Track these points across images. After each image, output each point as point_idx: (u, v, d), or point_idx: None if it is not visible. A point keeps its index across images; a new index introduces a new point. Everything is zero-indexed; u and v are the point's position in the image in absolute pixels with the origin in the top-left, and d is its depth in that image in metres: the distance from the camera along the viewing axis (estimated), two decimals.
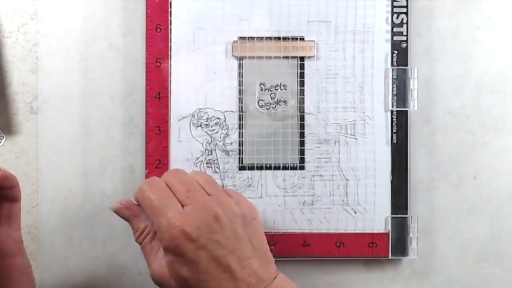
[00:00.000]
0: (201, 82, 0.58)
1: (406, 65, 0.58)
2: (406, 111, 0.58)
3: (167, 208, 0.48)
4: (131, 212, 0.52)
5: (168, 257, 0.48)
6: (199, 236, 0.47)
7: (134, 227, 0.52)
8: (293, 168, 0.58)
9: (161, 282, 0.50)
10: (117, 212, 0.52)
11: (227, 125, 0.58)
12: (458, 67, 0.60)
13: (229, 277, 0.48)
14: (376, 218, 0.58)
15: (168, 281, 0.49)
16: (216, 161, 0.58)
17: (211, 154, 0.58)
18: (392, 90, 0.58)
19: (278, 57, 0.58)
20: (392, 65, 0.58)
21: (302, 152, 0.58)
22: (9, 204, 0.49)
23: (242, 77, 0.58)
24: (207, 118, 0.58)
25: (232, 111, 0.58)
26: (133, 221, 0.52)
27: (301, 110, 0.58)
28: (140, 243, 0.52)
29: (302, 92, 0.58)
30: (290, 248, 0.58)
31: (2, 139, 0.59)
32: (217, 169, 0.58)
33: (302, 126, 0.58)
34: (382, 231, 0.58)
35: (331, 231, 0.58)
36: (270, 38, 0.58)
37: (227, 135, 0.58)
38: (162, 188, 0.50)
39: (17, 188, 0.49)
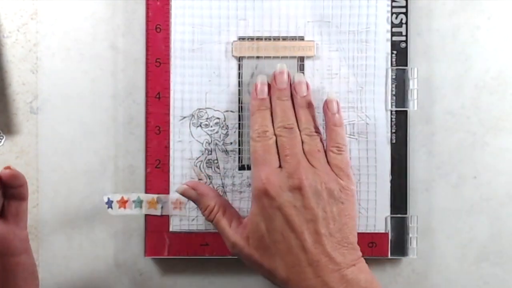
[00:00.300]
0: (201, 82, 0.58)
1: (406, 65, 0.58)
2: (406, 111, 0.58)
3: (264, 164, 0.52)
4: (197, 192, 0.55)
5: (253, 208, 0.52)
6: (277, 196, 0.50)
7: (203, 206, 0.55)
8: None
9: (240, 251, 0.52)
10: (184, 193, 0.55)
11: (227, 125, 0.58)
12: (458, 67, 0.60)
13: (300, 245, 0.50)
14: (376, 218, 0.58)
15: (247, 249, 0.52)
16: (216, 161, 0.58)
17: (211, 154, 0.58)
18: (392, 90, 0.58)
19: (278, 57, 0.58)
20: (391, 65, 0.58)
21: None
22: (17, 203, 0.49)
23: (242, 77, 0.58)
24: (207, 118, 0.58)
25: (232, 111, 0.58)
26: (201, 200, 0.55)
27: None
28: (211, 221, 0.54)
29: None
30: None
31: (2, 139, 0.59)
32: (217, 169, 0.58)
33: None
34: (381, 231, 0.58)
35: None
36: (270, 38, 0.58)
37: (227, 135, 0.58)
38: (269, 145, 0.53)
39: (25, 186, 0.49)
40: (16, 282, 0.49)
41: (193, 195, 0.55)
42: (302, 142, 0.53)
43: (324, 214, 0.50)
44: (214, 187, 0.58)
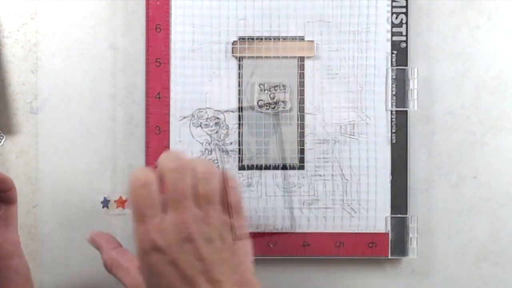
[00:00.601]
0: (201, 82, 0.58)
1: (406, 65, 0.58)
2: (406, 111, 0.58)
3: (146, 217, 0.45)
4: (95, 244, 0.53)
5: (142, 266, 0.46)
6: (169, 252, 0.45)
7: (102, 258, 0.52)
8: (293, 168, 0.58)
9: None
10: (90, 242, 0.53)
11: (227, 125, 0.58)
12: (458, 67, 0.60)
13: None
14: (376, 218, 0.58)
15: None
16: (216, 161, 0.58)
17: (211, 154, 0.58)
18: (392, 90, 0.58)
19: (278, 57, 0.58)
20: (391, 65, 0.58)
21: (302, 152, 0.58)
22: (6, 207, 0.49)
23: (242, 77, 0.58)
24: (207, 118, 0.58)
25: (232, 111, 0.58)
26: (100, 251, 0.52)
27: (301, 110, 0.58)
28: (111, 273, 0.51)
29: (302, 92, 0.58)
30: (290, 248, 0.58)
31: (2, 139, 0.59)
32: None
33: (302, 126, 0.58)
34: (381, 231, 0.58)
35: (330, 231, 0.58)
36: (270, 38, 0.58)
37: (227, 135, 0.58)
38: (147, 194, 0.46)
39: (14, 190, 0.49)
40: (8, 286, 0.49)
41: (94, 246, 0.53)
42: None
43: (219, 260, 0.45)
44: None
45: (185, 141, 0.58)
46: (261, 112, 0.58)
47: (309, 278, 0.60)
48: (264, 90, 0.58)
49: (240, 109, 0.58)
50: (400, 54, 0.58)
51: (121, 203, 0.57)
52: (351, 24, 0.58)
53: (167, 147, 0.58)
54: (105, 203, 0.57)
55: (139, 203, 0.45)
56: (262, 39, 0.58)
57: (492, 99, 0.60)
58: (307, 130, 0.58)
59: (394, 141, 0.58)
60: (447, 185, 0.60)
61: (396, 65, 0.58)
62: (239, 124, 0.58)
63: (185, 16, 0.58)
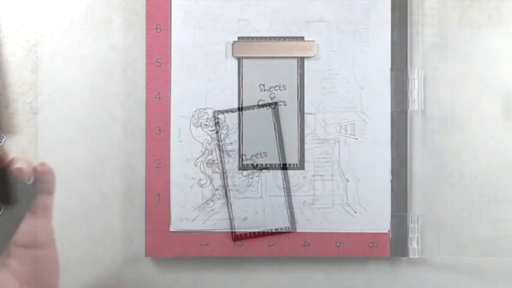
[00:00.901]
0: (201, 82, 0.58)
1: (406, 65, 0.58)
2: (406, 111, 0.58)
3: None
4: None
5: None
6: None
7: None
8: (293, 168, 0.58)
9: None
10: None
11: (227, 125, 0.58)
12: (458, 67, 0.60)
13: None
14: (376, 218, 0.58)
15: None
16: (216, 161, 0.58)
17: (211, 154, 0.58)
18: (392, 90, 0.58)
19: (278, 57, 0.58)
20: (391, 65, 0.58)
21: (302, 152, 0.58)
22: (45, 197, 0.50)
23: (242, 77, 0.58)
24: (207, 118, 0.58)
25: (232, 111, 0.58)
26: None
27: (301, 110, 0.58)
28: None
29: (302, 92, 0.58)
30: (290, 248, 0.58)
31: (2, 139, 0.59)
32: (217, 169, 0.58)
33: (302, 126, 0.58)
34: (382, 231, 0.58)
35: (331, 231, 0.58)
36: (270, 38, 0.58)
37: (227, 135, 0.58)
38: None
39: (55, 181, 0.50)
40: (41, 274, 0.50)
41: None
42: None
43: None
44: (214, 187, 0.58)
45: (185, 141, 0.58)
46: (261, 112, 0.58)
47: (309, 278, 0.60)
48: (264, 90, 0.58)
49: (240, 109, 0.58)
50: (400, 54, 0.58)
51: None
52: (351, 24, 0.58)
53: (167, 147, 0.58)
54: None
55: None
56: (262, 39, 0.58)
57: (492, 99, 0.60)
58: (307, 130, 0.58)
59: (394, 141, 0.58)
60: (447, 185, 0.60)
61: (396, 65, 0.58)
62: (239, 124, 0.58)
63: (185, 16, 0.58)
